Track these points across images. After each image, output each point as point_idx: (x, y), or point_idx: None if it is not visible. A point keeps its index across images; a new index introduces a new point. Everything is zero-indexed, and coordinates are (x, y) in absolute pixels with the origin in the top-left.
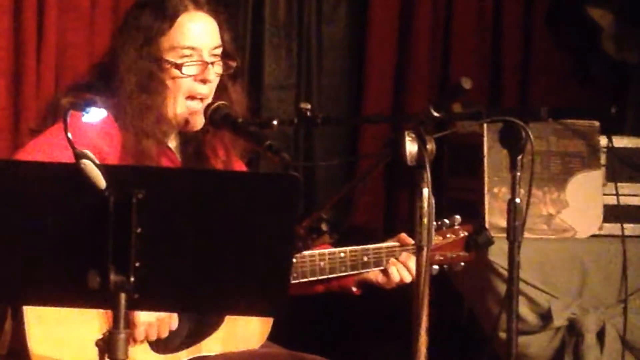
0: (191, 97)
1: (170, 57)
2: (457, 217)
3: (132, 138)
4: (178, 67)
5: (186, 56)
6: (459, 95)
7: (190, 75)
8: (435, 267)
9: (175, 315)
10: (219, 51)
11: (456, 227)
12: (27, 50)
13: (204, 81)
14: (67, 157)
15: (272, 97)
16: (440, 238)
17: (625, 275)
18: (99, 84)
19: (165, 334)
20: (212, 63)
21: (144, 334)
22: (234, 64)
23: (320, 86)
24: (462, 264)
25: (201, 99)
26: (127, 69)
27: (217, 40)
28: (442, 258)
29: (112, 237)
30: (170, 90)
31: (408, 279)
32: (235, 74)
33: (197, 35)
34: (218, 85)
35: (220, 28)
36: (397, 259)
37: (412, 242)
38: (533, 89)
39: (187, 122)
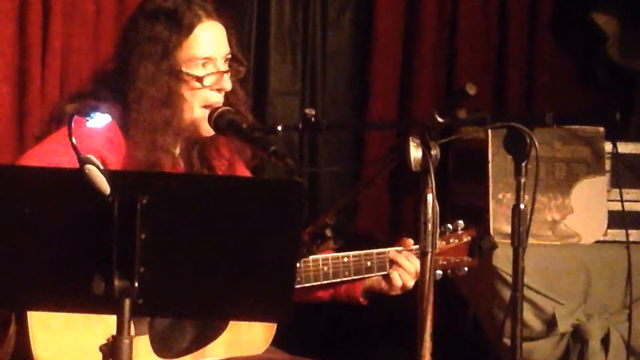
0: (206, 106)
1: (189, 69)
2: (460, 222)
3: (143, 151)
4: (200, 80)
5: (203, 67)
6: (463, 101)
7: (210, 86)
8: (439, 272)
9: None
10: (228, 57)
11: (459, 232)
12: (31, 56)
13: (219, 90)
14: (68, 164)
15: (277, 103)
16: (444, 243)
17: (630, 281)
18: (104, 91)
19: None
20: (227, 72)
21: None
22: (242, 68)
23: (325, 92)
24: (466, 269)
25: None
26: (146, 82)
27: (227, 47)
28: (445, 263)
29: (116, 242)
30: (187, 102)
31: (410, 282)
32: (242, 78)
33: (212, 45)
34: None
35: (229, 34)
36: (398, 264)
37: (416, 246)
38: (538, 95)
39: (201, 128)
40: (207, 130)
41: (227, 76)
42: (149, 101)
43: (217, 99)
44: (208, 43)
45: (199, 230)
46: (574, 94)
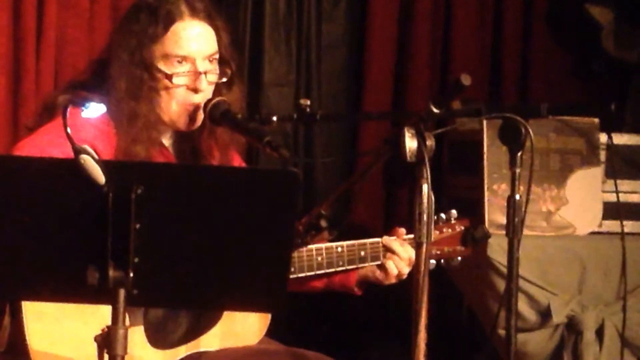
0: (185, 104)
1: (162, 65)
2: (453, 211)
3: (122, 141)
4: (168, 77)
5: (179, 64)
6: (458, 92)
7: (181, 85)
8: (432, 261)
9: None
10: (215, 57)
11: (453, 221)
12: (26, 47)
13: (195, 90)
14: (61, 155)
15: (271, 94)
16: (437, 232)
17: (624, 273)
18: (97, 82)
19: None
20: (206, 72)
21: None
22: (229, 71)
23: (320, 83)
24: (459, 259)
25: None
26: (119, 73)
27: (213, 48)
28: (439, 252)
29: (111, 232)
30: (162, 98)
31: (405, 270)
32: (231, 81)
33: (191, 43)
34: (214, 90)
35: (217, 34)
36: (393, 252)
37: (409, 236)
38: (533, 86)
39: (184, 124)
40: (187, 126)
41: (204, 77)
42: (118, 92)
43: (195, 99)
44: (185, 41)
45: (193, 220)
46: (569, 85)
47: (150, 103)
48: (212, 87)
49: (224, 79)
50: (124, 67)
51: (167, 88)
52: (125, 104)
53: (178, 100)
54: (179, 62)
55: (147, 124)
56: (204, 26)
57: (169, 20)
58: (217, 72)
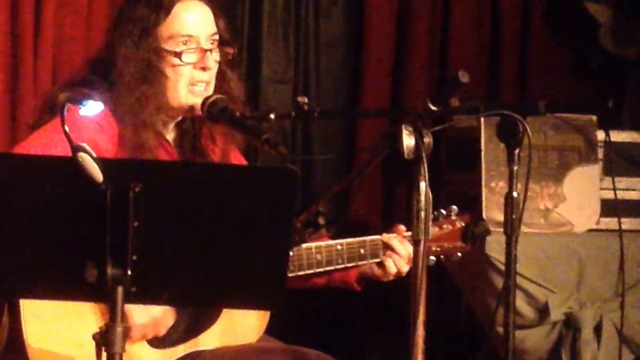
0: (193, 84)
1: (169, 46)
2: (454, 207)
3: (130, 130)
4: (178, 55)
5: (184, 44)
6: (456, 89)
7: (190, 63)
8: (432, 258)
9: (170, 314)
10: (215, 38)
11: (453, 217)
12: (24, 44)
13: (203, 68)
14: (63, 153)
15: (269, 91)
16: (437, 229)
17: (622, 270)
18: (96, 78)
19: (162, 333)
20: (210, 50)
21: (140, 335)
22: (231, 50)
23: (318, 80)
24: (459, 254)
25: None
26: (125, 60)
27: (213, 28)
28: (438, 249)
29: (109, 230)
30: (170, 80)
31: (405, 268)
32: (233, 62)
33: (194, 23)
34: (217, 73)
35: (215, 15)
36: (392, 249)
37: (409, 233)
38: (531, 83)
39: (192, 107)
40: (196, 109)
41: (210, 55)
42: (128, 78)
43: (203, 77)
44: (188, 21)
45: (191, 217)
46: (567, 83)
47: (159, 86)
48: (216, 67)
49: (228, 59)
50: (131, 55)
51: (174, 67)
52: (135, 87)
53: (186, 79)
54: (184, 42)
55: (158, 106)
56: (203, 7)
57: (170, 2)
58: (219, 52)
